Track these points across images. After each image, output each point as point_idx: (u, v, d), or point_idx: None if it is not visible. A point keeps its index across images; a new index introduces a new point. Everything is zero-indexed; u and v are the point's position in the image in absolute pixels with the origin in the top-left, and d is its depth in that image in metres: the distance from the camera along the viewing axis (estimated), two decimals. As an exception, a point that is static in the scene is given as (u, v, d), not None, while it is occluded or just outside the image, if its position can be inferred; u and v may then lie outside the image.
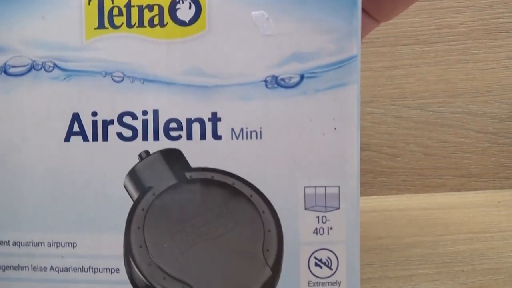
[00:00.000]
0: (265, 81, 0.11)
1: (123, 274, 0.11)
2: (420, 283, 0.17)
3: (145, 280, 0.11)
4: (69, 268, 0.11)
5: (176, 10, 0.11)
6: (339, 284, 0.11)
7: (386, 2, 0.14)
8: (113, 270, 0.11)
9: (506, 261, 0.18)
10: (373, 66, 0.27)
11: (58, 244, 0.11)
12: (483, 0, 0.26)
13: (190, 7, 0.11)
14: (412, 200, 0.25)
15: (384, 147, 0.27)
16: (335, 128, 0.11)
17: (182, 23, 0.11)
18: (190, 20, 0.11)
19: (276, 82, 0.11)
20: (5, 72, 0.12)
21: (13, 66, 0.11)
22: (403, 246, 0.20)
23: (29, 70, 0.11)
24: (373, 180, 0.27)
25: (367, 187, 0.27)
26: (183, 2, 0.11)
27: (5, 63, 0.11)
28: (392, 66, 0.27)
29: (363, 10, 0.14)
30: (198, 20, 0.11)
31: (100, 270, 0.11)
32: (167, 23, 0.11)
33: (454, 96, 0.27)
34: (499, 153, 0.26)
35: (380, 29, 0.26)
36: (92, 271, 0.11)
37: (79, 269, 0.11)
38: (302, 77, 0.11)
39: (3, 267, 0.12)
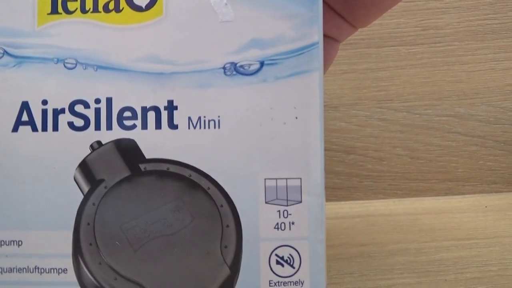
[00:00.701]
0: (224, 68, 0.11)
1: (71, 275, 0.11)
2: (400, 292, 0.16)
3: (94, 280, 0.10)
4: (13, 268, 0.11)
5: (132, -5, 0.11)
6: (302, 283, 0.10)
7: (359, 8, 0.13)
8: (60, 270, 0.11)
9: (490, 269, 0.17)
10: (358, 68, 0.26)
11: (2, 242, 0.11)
12: (469, 1, 0.26)
13: (147, -8, 0.11)
14: (398, 205, 0.24)
15: (370, 151, 0.26)
16: (296, 117, 0.10)
17: (138, 9, 0.11)
18: (146, 6, 0.11)
19: (235, 69, 0.10)
20: (-46, 59, 0.11)
21: (-38, 53, 0.11)
22: (385, 253, 0.19)
23: (-21, 57, 0.11)
24: (359, 184, 0.26)
25: (352, 191, 0.26)
26: (139, -13, 0.11)
27: (-46, 50, 0.11)
28: (377, 68, 0.26)
29: (339, 15, 0.13)
30: (155, 6, 0.11)
31: (47, 271, 0.11)
32: (122, 8, 0.11)
33: (440, 99, 0.26)
34: (487, 156, 0.25)
35: (365, 30, 0.25)
36: (38, 272, 0.11)
37: (24, 269, 0.11)
38: (262, 64, 0.10)
39: None
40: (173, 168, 0.10)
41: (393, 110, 0.26)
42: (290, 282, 0.10)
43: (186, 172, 0.10)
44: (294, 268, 0.10)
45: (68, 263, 0.11)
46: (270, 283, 0.10)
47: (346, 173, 0.26)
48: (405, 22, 0.26)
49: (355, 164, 0.26)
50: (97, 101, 0.11)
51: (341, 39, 0.15)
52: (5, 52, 0.11)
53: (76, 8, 0.11)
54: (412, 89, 0.26)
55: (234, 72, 0.10)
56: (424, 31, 0.26)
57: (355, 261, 0.19)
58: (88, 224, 0.11)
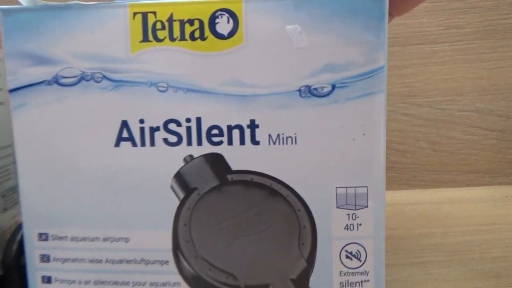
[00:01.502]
0: (299, 90, 0.12)
1: (172, 265, 0.12)
2: (433, 269, 0.18)
3: (192, 271, 0.12)
4: (122, 260, 0.13)
5: (215, 24, 0.12)
6: (367, 273, 0.12)
7: None
8: (163, 262, 0.12)
9: (513, 250, 0.19)
10: (383, 65, 0.28)
11: (112, 239, 0.13)
12: (490, 1, 0.27)
13: (228, 21, 0.12)
14: (421, 195, 0.26)
15: (394, 144, 0.28)
16: (364, 134, 0.12)
17: (221, 37, 0.12)
18: (228, 34, 0.12)
19: (309, 92, 0.12)
20: (57, 82, 0.12)
21: (64, 77, 0.12)
22: (414, 236, 0.21)
23: (79, 80, 0.12)
24: (384, 175, 0.28)
25: (378, 182, 0.28)
26: (221, 17, 0.12)
27: (56, 74, 0.12)
28: (402, 65, 0.28)
29: None
30: (236, 34, 0.12)
31: (152, 262, 0.13)
32: (207, 36, 0.12)
33: (462, 94, 0.27)
34: (506, 149, 0.27)
35: (390, 29, 0.27)
36: (144, 263, 0.13)
37: (132, 261, 0.13)
38: (333, 87, 0.12)
39: (62, 260, 0.13)
40: (256, 178, 0.12)
41: (417, 105, 0.27)
42: (357, 272, 0.12)
43: (267, 182, 0.12)
44: (360, 261, 0.12)
45: (169, 256, 0.12)
46: (340, 273, 0.12)
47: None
48: (428, 22, 0.27)
49: (380, 157, 0.28)
50: (188, 120, 0.12)
51: None
52: (104, 77, 0.12)
53: (165, 37, 0.12)
54: (435, 85, 0.28)
55: (309, 94, 0.12)
56: (446, 30, 0.28)
57: (387, 242, 0.21)
58: (185, 225, 0.12)
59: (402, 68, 0.28)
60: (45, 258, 0.13)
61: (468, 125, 0.27)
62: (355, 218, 0.12)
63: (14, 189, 0.22)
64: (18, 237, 0.16)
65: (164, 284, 0.13)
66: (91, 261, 0.13)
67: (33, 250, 0.13)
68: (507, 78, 0.27)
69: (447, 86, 0.28)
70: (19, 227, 0.16)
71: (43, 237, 0.13)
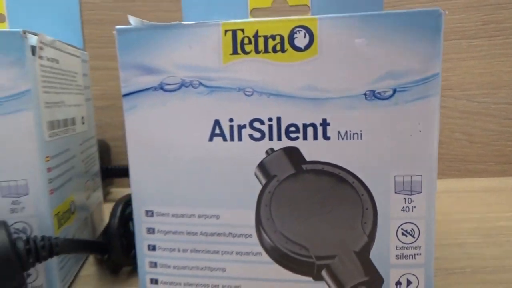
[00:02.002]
0: (365, 94, 0.14)
1: (255, 238, 0.15)
2: (469, 249, 0.20)
3: (272, 243, 0.15)
4: (214, 233, 0.15)
5: (294, 39, 0.14)
6: (420, 248, 0.15)
7: None
8: (247, 235, 0.15)
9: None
10: (422, 60, 0.29)
11: (205, 216, 0.15)
12: (530, -4, 0.28)
13: (305, 36, 0.14)
14: (457, 184, 0.27)
15: (431, 135, 0.29)
16: (420, 131, 0.14)
17: (299, 49, 0.14)
18: (305, 47, 0.14)
19: (373, 95, 0.14)
20: (162, 88, 0.15)
21: (167, 84, 0.15)
22: (452, 221, 0.23)
23: (180, 87, 0.15)
24: (420, 164, 0.29)
25: (415, 171, 0.30)
26: (299, 32, 0.14)
27: (161, 82, 0.15)
28: (440, 60, 0.29)
29: None
30: (312, 47, 0.14)
31: (238, 235, 0.15)
32: (286, 49, 0.14)
33: (498, 88, 0.29)
34: (540, 141, 0.28)
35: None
36: (232, 236, 0.15)
37: (222, 234, 0.15)
38: (394, 91, 0.14)
39: (165, 232, 0.16)
40: (326, 168, 0.15)
41: (453, 98, 0.29)
42: (411, 247, 0.15)
43: (336, 171, 0.15)
44: (414, 238, 0.15)
45: (252, 231, 0.15)
46: (396, 247, 0.15)
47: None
48: (467, 18, 0.29)
49: (417, 147, 0.29)
50: (270, 119, 0.15)
51: None
52: (200, 83, 0.15)
53: (251, 50, 0.15)
54: (472, 79, 0.29)
55: (373, 98, 0.14)
56: (484, 25, 0.29)
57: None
58: (266, 205, 0.15)
59: (440, 62, 0.29)
60: (150, 230, 0.16)
61: (504, 117, 0.28)
62: (411, 202, 0.14)
63: (98, 174, 0.25)
64: (118, 212, 0.19)
65: (247, 254, 0.16)
66: (188, 233, 0.16)
67: (141, 224, 0.16)
68: (544, 72, 0.28)
69: (483, 80, 0.29)
70: (117, 205, 0.20)
71: (149, 213, 0.16)
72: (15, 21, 0.21)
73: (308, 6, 0.20)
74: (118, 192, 0.33)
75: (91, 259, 0.22)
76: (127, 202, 0.20)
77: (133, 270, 0.20)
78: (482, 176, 0.28)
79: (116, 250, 0.18)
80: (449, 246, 0.21)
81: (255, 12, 0.21)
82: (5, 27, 0.21)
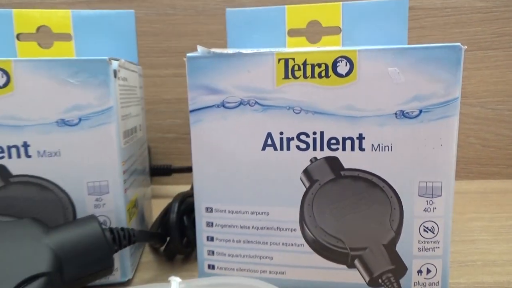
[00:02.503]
0: (395, 114, 0.17)
1: (298, 232, 0.18)
2: (481, 245, 0.23)
3: (313, 236, 0.18)
4: (264, 227, 0.19)
5: (336, 66, 0.17)
6: (438, 242, 0.17)
7: None
8: (292, 229, 0.18)
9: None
10: (440, 70, 0.32)
11: (257, 213, 0.19)
12: (544, 11, 0.30)
13: (346, 65, 0.17)
14: (470, 185, 0.30)
15: (446, 139, 0.32)
16: (441, 145, 0.17)
17: (340, 76, 0.17)
18: (346, 73, 0.17)
19: (402, 114, 0.17)
20: (223, 106, 0.18)
21: (228, 102, 0.18)
22: (465, 219, 0.26)
23: (239, 104, 0.18)
24: (436, 166, 0.32)
25: (431, 172, 0.32)
26: (341, 62, 0.17)
27: (223, 100, 0.18)
28: (457, 70, 0.31)
29: None
30: (351, 74, 0.17)
31: (284, 229, 0.18)
32: (330, 75, 0.17)
33: (511, 96, 0.31)
34: (549, 146, 0.31)
35: (446, 37, 0.30)
36: (279, 230, 0.18)
37: (271, 228, 0.18)
38: (420, 111, 0.17)
39: (221, 225, 0.19)
40: (361, 174, 0.17)
41: (468, 105, 0.31)
42: (431, 241, 0.18)
43: (369, 177, 0.17)
44: (434, 233, 0.17)
45: (296, 225, 0.18)
46: (419, 241, 0.18)
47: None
48: (482, 30, 0.31)
49: (433, 151, 0.32)
50: (314, 133, 0.18)
51: None
52: (256, 102, 0.18)
53: (300, 75, 0.17)
54: (487, 87, 0.31)
55: (402, 117, 0.17)
56: (499, 37, 0.31)
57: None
58: (309, 205, 0.18)
59: (456, 72, 0.31)
60: (209, 224, 0.19)
61: (516, 124, 0.31)
62: (432, 203, 0.17)
63: (148, 173, 0.28)
64: (176, 208, 0.22)
65: (292, 245, 0.19)
66: (242, 227, 0.19)
67: (201, 218, 0.19)
68: (554, 83, 0.30)
69: (498, 88, 0.31)
70: (174, 202, 0.23)
71: (209, 210, 0.19)
72: (80, 40, 0.25)
73: (339, 27, 0.23)
74: (156, 188, 0.37)
75: (147, 248, 0.25)
76: (181, 200, 0.23)
77: (185, 258, 0.24)
78: (494, 179, 0.31)
79: (175, 240, 0.22)
80: (462, 242, 0.23)
81: (291, 32, 0.24)
82: (72, 46, 0.24)
